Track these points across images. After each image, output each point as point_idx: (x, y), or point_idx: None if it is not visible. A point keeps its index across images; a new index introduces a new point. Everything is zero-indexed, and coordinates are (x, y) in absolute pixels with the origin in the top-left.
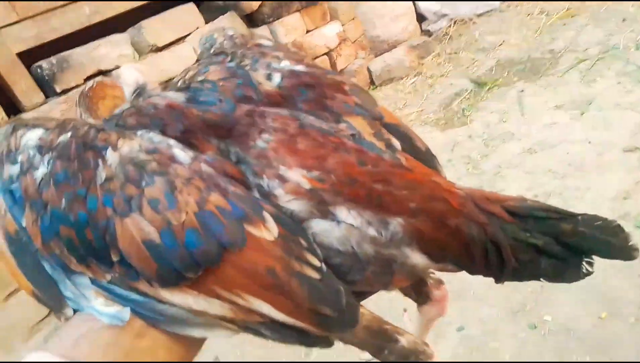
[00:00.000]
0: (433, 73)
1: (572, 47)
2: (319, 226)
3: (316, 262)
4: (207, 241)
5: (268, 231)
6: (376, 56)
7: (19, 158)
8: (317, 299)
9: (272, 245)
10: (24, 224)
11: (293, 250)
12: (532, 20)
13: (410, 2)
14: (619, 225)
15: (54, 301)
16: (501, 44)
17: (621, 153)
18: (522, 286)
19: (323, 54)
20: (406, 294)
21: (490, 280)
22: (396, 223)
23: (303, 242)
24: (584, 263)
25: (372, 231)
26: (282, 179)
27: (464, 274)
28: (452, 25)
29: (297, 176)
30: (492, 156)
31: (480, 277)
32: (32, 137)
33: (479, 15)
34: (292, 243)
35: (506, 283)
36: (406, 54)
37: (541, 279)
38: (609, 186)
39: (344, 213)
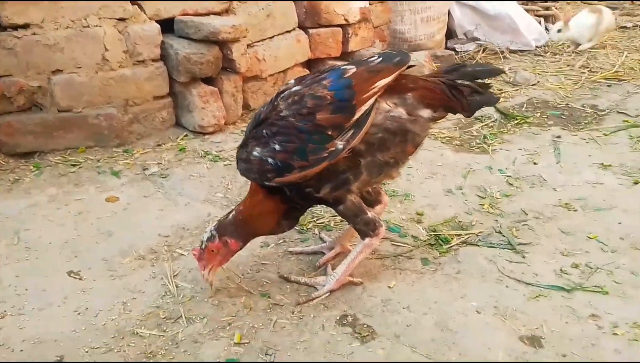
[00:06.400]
0: None
1: (619, 108)
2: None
3: None
4: None
5: None
6: None
7: None
8: None
9: None
10: None
11: None
12: (572, 71)
13: (447, 10)
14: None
15: None
16: (535, 84)
17: None
18: None
19: (337, 25)
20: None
21: None
22: (409, 96)
23: None
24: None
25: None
26: None
27: None
28: (481, 51)
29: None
30: (517, 199)
31: None
32: None
33: (512, 51)
34: None
35: None
36: (427, 61)
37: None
38: None
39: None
